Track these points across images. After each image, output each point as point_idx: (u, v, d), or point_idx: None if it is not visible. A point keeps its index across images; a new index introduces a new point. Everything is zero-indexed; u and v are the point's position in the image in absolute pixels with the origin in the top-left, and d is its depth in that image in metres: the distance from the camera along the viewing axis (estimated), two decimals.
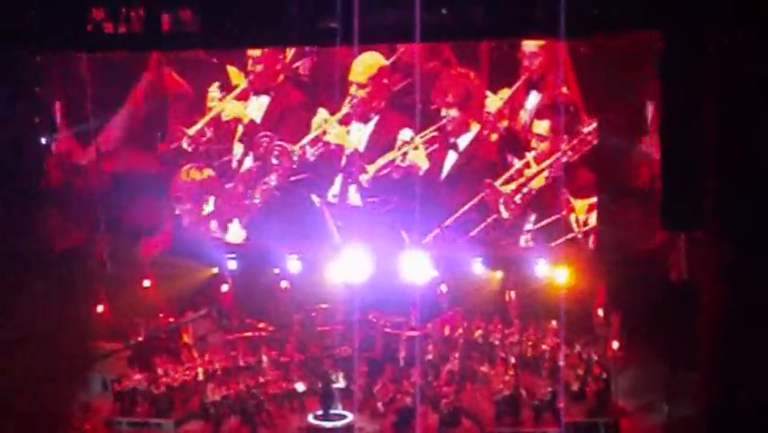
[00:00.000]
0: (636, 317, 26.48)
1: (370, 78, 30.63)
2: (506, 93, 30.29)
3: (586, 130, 29.51)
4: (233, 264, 32.08)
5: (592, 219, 29.98)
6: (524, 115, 30.42)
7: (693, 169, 22.03)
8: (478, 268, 31.24)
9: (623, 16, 23.13)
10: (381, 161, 31.00)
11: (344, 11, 21.85)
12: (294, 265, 31.67)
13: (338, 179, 31.54)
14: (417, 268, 30.04)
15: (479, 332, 30.33)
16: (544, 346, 29.46)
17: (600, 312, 29.75)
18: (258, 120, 31.54)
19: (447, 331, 30.67)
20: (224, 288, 32.58)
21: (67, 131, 28.95)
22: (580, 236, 30.31)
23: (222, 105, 31.34)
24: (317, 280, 31.35)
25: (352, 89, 30.78)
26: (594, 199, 29.88)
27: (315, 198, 31.55)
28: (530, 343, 29.69)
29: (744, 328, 21.11)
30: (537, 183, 30.37)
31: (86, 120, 29.26)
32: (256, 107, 31.50)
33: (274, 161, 31.35)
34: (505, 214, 30.54)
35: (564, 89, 29.56)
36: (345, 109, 31.12)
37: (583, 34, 27.80)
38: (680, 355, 23.81)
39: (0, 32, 22.87)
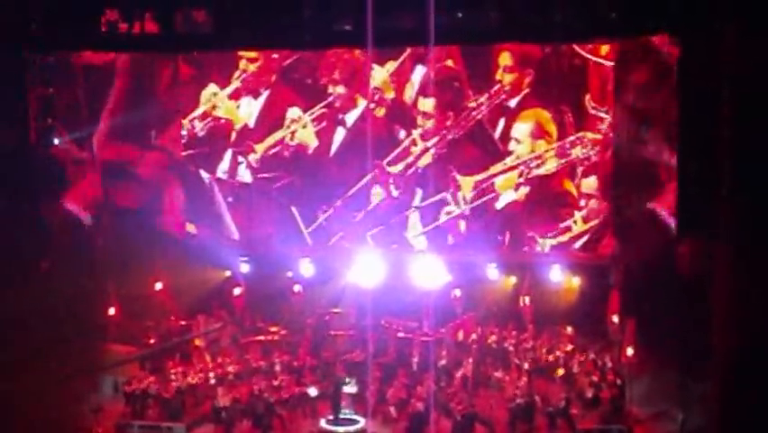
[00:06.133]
0: (651, 324, 26.27)
1: (260, 52, 30.84)
2: (392, 66, 30.68)
3: (471, 105, 30.21)
4: (245, 268, 32.02)
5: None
6: (410, 90, 30.89)
7: (709, 173, 21.89)
8: (492, 273, 31.12)
9: (640, 21, 23.05)
10: (270, 140, 31.40)
11: (359, 14, 21.75)
12: (307, 269, 31.60)
13: (228, 155, 31.88)
14: (431, 273, 29.88)
15: (492, 337, 30.15)
16: (558, 352, 29.25)
17: (615, 318, 29.52)
18: None
19: (461, 336, 30.48)
20: (237, 291, 32.48)
21: (69, 132, 28.93)
22: (467, 212, 30.83)
23: None
24: (330, 284, 31.24)
25: (242, 63, 31.00)
26: (481, 176, 30.61)
27: (204, 173, 31.91)
28: (544, 349, 29.49)
29: (758, 336, 20.96)
30: (424, 161, 30.94)
31: (87, 121, 29.37)
32: None
33: None
34: (395, 192, 31.11)
35: (449, 62, 29.93)
36: (235, 83, 31.28)
37: (601, 39, 27.88)
38: (694, 363, 23.60)
39: (12, 33, 22.88)
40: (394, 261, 30.38)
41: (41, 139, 27.05)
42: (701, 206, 22.23)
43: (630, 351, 27.41)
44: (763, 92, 20.46)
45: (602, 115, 29.87)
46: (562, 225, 30.69)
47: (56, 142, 28.01)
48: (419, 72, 30.69)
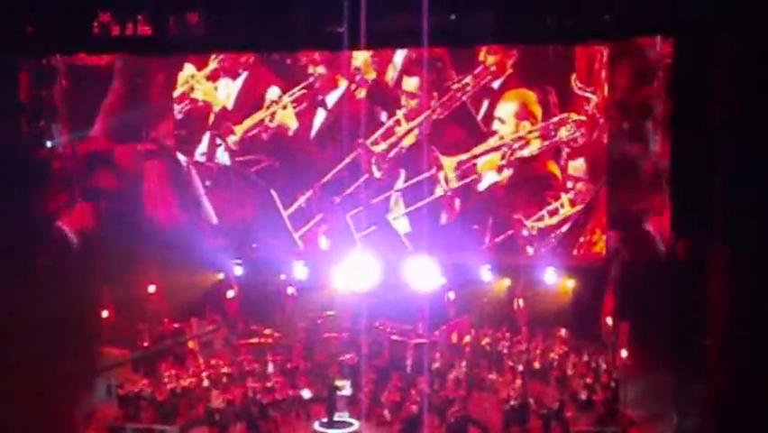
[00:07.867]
0: (645, 326, 26.27)
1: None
2: None
3: (455, 87, 29.87)
4: (238, 270, 31.97)
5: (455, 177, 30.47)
6: (392, 71, 30.53)
7: (703, 177, 21.90)
8: (486, 275, 31.07)
9: (635, 23, 23.04)
10: (250, 122, 31.05)
11: (352, 15, 21.72)
12: (300, 271, 31.56)
13: (206, 138, 31.58)
14: (425, 275, 29.85)
15: (486, 340, 30.15)
16: (552, 355, 29.27)
17: (609, 320, 29.51)
18: None
19: (455, 339, 30.46)
20: (230, 294, 32.42)
21: (63, 133, 28.88)
22: (448, 194, 30.53)
23: None
24: (324, 286, 31.22)
25: None
26: (464, 156, 30.24)
27: (181, 156, 31.70)
28: (538, 351, 29.51)
29: (752, 338, 20.96)
30: (408, 141, 30.63)
31: (81, 122, 29.33)
32: None
33: None
34: (377, 173, 30.78)
35: None
36: (213, 64, 31.11)
37: (595, 41, 27.86)
38: (688, 365, 23.60)
39: (5, 35, 22.83)
40: (388, 263, 30.32)
41: (35, 140, 27.02)
42: (697, 207, 22.23)
43: (624, 353, 27.41)
44: (758, 93, 20.49)
45: (588, 95, 29.47)
46: (548, 207, 30.34)
47: (49, 143, 28.01)
48: (401, 53, 30.36)
